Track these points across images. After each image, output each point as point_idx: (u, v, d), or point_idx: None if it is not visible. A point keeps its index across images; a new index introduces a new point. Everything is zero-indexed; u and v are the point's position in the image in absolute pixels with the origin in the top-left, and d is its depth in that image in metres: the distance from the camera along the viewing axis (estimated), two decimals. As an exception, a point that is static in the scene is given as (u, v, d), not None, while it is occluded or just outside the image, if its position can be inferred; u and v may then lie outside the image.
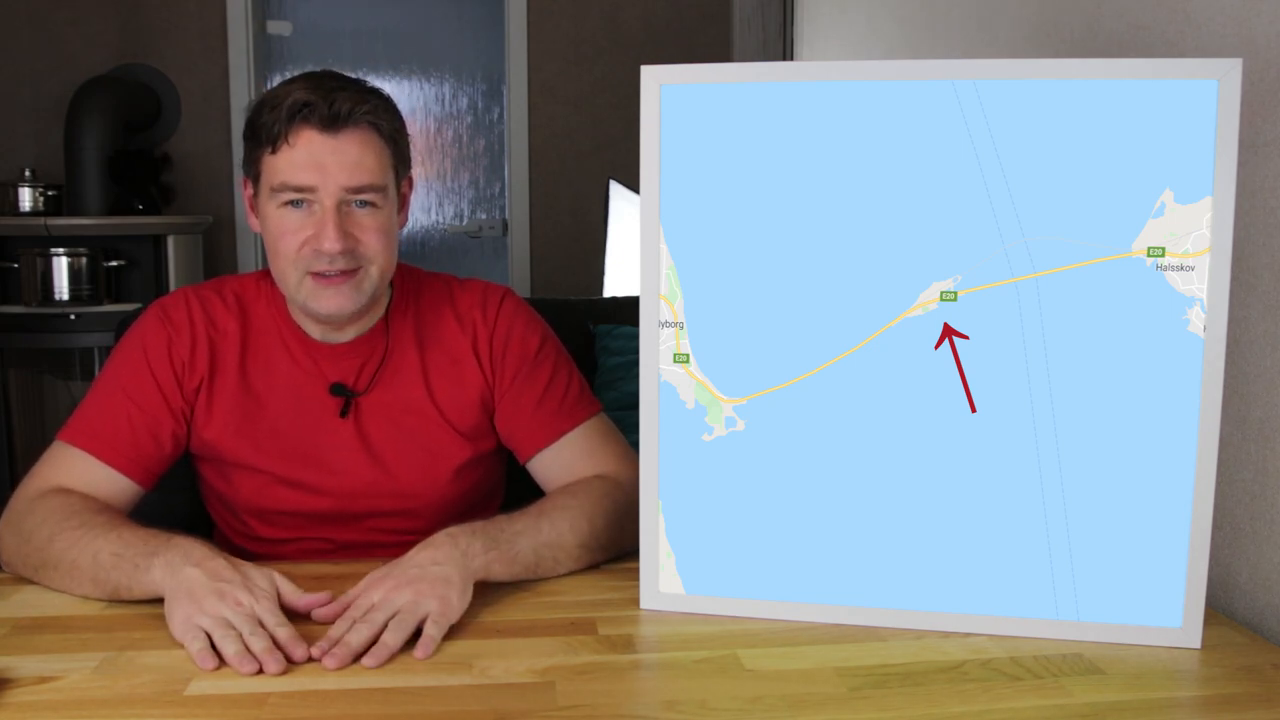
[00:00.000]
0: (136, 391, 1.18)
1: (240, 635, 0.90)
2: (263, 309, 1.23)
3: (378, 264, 1.15)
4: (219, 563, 0.97)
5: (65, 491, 1.12)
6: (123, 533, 1.03)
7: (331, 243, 1.10)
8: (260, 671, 0.87)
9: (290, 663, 0.89)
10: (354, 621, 0.94)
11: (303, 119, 1.09)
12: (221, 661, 0.89)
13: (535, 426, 1.24)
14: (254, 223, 1.19)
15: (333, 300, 1.13)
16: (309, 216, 1.11)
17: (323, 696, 0.84)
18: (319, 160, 1.09)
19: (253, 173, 1.15)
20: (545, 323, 1.30)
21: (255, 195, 1.16)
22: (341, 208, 1.11)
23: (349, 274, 1.13)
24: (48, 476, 1.14)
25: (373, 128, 1.12)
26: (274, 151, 1.10)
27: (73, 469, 1.15)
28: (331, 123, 1.09)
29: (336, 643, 0.91)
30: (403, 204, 1.21)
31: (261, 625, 0.92)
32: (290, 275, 1.14)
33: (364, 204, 1.12)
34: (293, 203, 1.11)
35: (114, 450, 1.15)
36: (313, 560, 1.22)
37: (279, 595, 0.97)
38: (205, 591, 0.94)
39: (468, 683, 0.87)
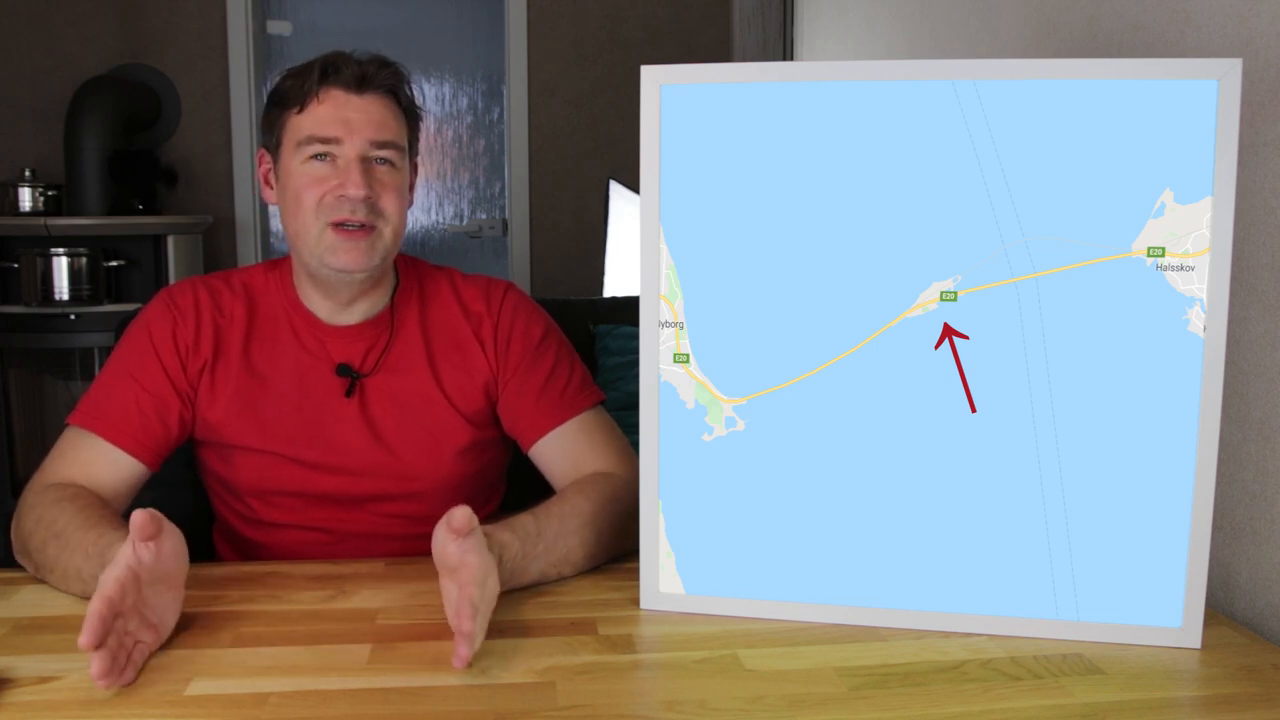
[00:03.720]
0: (143, 375, 1.20)
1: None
2: (271, 294, 1.26)
3: (391, 225, 1.19)
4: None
5: (60, 487, 1.12)
6: (89, 549, 1.00)
7: (356, 187, 1.15)
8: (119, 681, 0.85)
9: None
10: (473, 606, 0.88)
11: (332, 78, 1.17)
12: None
13: (538, 414, 1.24)
14: (268, 195, 1.24)
15: (349, 254, 1.16)
16: (333, 169, 1.17)
17: (323, 696, 0.84)
18: (345, 115, 1.16)
19: (273, 139, 1.21)
20: (548, 315, 1.32)
21: (275, 164, 1.21)
22: (364, 162, 1.16)
23: (366, 230, 1.17)
24: (56, 468, 1.16)
25: (393, 95, 1.20)
26: (301, 110, 1.17)
27: (80, 454, 1.16)
28: (358, 83, 1.17)
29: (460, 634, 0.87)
30: (410, 185, 1.26)
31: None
32: (312, 227, 1.17)
33: (383, 161, 1.18)
34: (317, 157, 1.16)
35: (121, 432, 1.17)
36: (313, 552, 1.22)
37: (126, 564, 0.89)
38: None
39: (468, 683, 0.87)
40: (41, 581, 1.08)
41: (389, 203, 1.18)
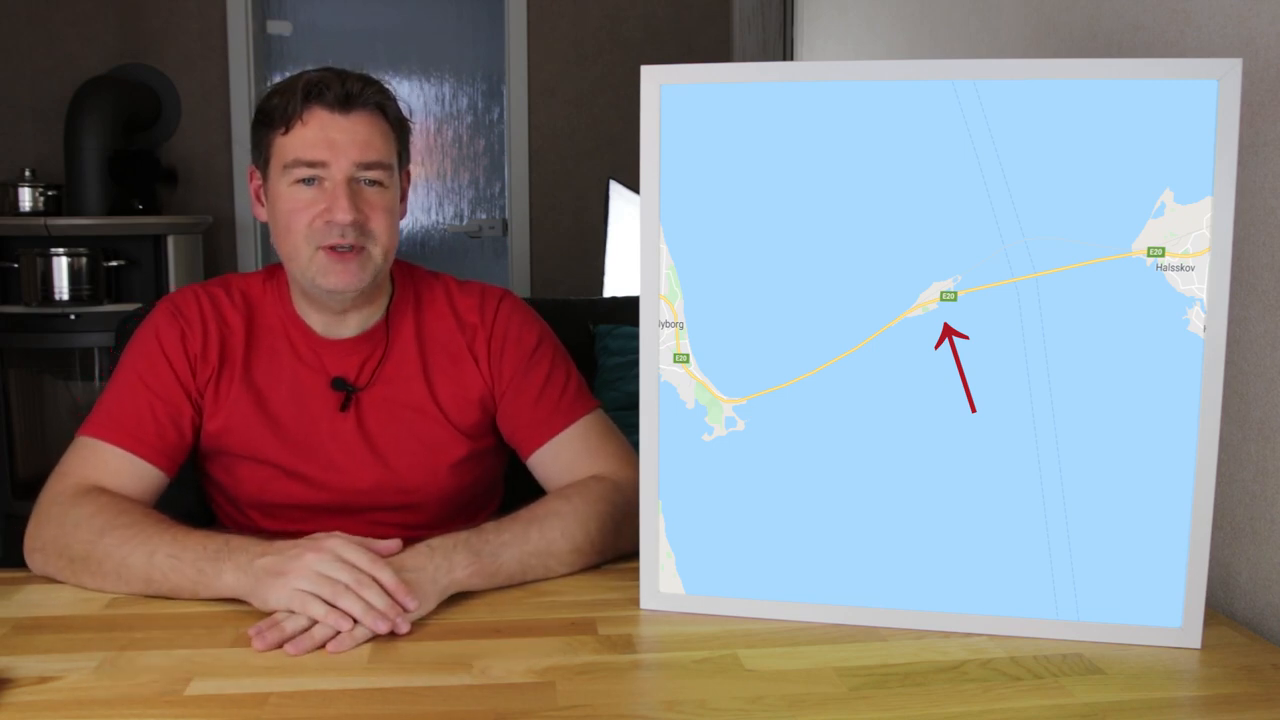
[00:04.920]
0: (156, 382, 1.19)
1: (348, 586, 0.95)
2: (269, 306, 1.25)
3: (382, 244, 1.18)
4: (281, 544, 1.00)
5: (104, 490, 1.12)
6: (176, 535, 1.04)
7: (344, 213, 1.13)
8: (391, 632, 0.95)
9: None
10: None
11: (316, 99, 1.14)
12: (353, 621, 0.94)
13: (534, 424, 1.25)
14: (259, 212, 1.22)
15: (340, 276, 1.16)
16: (320, 193, 1.15)
17: (323, 696, 0.84)
18: (330, 137, 1.14)
19: (261, 158, 1.19)
20: (544, 322, 1.32)
21: (264, 182, 1.20)
22: (351, 184, 1.15)
23: (356, 251, 1.16)
24: (81, 473, 1.14)
25: (380, 110, 1.18)
26: (286, 131, 1.15)
27: (102, 464, 1.15)
28: (343, 102, 1.15)
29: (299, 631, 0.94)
30: (402, 196, 1.25)
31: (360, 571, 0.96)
32: (302, 251, 1.16)
33: (372, 183, 1.17)
34: (304, 181, 1.15)
35: (141, 441, 1.16)
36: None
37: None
38: (290, 560, 0.97)
39: (468, 683, 0.87)
40: (43, 582, 1.08)
41: (378, 223, 1.16)
